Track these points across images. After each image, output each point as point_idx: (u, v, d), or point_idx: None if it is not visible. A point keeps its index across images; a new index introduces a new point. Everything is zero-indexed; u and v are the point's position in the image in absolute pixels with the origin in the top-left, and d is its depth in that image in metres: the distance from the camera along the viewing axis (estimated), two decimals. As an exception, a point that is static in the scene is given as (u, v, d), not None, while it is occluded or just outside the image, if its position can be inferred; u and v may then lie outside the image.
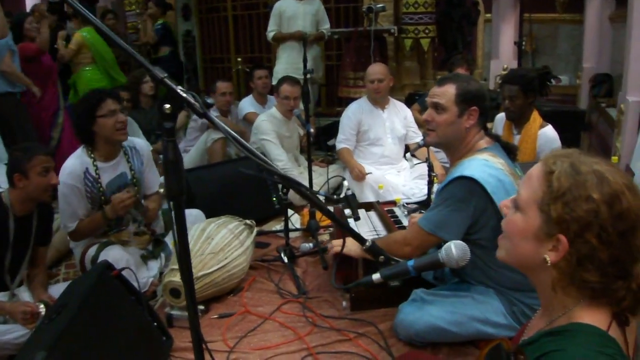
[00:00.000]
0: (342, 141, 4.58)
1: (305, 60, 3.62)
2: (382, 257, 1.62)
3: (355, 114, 4.55)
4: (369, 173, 4.29)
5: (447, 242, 1.58)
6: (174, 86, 1.22)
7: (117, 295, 2.32)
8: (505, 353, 1.20)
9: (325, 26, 6.09)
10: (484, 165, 2.26)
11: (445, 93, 2.36)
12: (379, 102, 4.55)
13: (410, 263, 1.59)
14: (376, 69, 4.48)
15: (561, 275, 1.14)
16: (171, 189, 1.27)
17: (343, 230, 1.63)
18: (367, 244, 1.60)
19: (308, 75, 3.73)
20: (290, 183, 1.46)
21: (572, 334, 1.11)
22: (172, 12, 8.15)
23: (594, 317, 1.12)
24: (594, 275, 1.10)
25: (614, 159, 3.25)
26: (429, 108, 2.44)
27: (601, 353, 1.06)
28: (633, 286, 1.10)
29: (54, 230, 3.72)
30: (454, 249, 1.52)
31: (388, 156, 4.60)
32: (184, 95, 1.23)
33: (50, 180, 2.62)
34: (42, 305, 2.51)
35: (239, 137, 1.34)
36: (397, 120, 4.61)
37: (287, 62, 5.89)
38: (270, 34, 5.98)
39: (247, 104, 5.44)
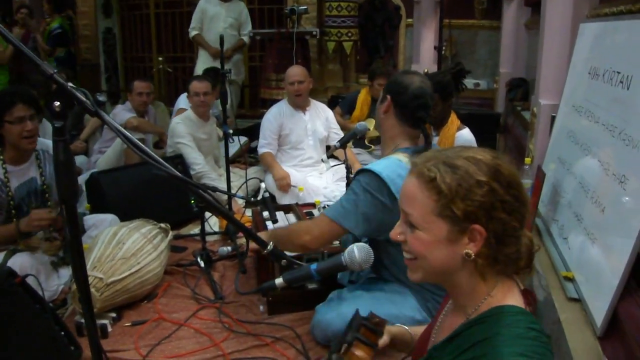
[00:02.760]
0: (264, 146, 4.52)
1: (222, 60, 3.55)
2: (285, 260, 1.59)
3: (276, 118, 4.51)
4: (293, 186, 4.27)
5: (349, 234, 1.57)
6: (64, 83, 1.15)
7: (20, 304, 2.19)
8: (360, 316, 1.23)
9: (246, 30, 6.08)
10: (395, 165, 2.27)
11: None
12: (299, 104, 4.53)
13: (313, 267, 1.57)
14: (296, 71, 4.47)
15: (486, 261, 1.17)
16: (62, 192, 1.20)
17: (244, 233, 1.59)
18: (269, 247, 1.57)
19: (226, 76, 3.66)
20: (188, 184, 1.40)
21: (499, 317, 1.14)
22: (90, 8, 7.89)
23: (512, 298, 1.17)
24: (513, 245, 1.16)
25: (527, 160, 3.35)
26: None
27: (531, 329, 1.10)
28: (526, 240, 1.19)
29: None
30: (357, 252, 1.51)
31: (310, 158, 4.59)
32: (75, 92, 1.16)
33: None
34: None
35: (133, 138, 1.28)
36: (319, 122, 4.61)
37: (207, 62, 5.85)
38: (192, 32, 6.01)
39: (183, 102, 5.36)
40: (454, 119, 3.71)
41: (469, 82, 4.47)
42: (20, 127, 2.81)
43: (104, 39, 8.31)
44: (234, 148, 4.93)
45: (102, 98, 5.52)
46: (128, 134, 1.28)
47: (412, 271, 1.25)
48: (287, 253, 2.16)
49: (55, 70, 1.18)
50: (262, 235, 2.56)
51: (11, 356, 1.97)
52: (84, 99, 1.18)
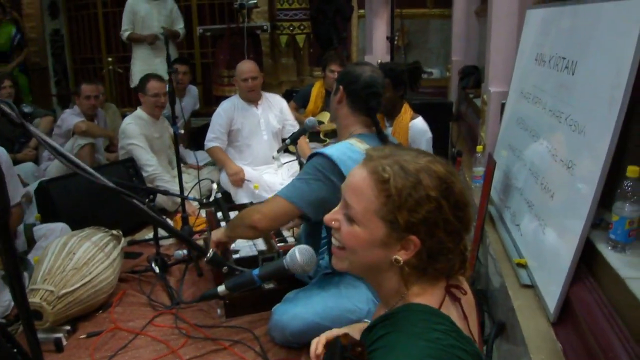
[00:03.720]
0: (212, 140, 4.43)
1: (169, 58, 3.47)
2: (226, 267, 1.56)
3: (227, 112, 4.43)
4: (248, 181, 4.22)
5: (304, 229, 1.54)
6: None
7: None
8: (341, 347, 1.19)
9: (180, 26, 6.04)
10: (345, 148, 2.29)
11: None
12: (252, 99, 4.47)
13: (255, 272, 1.54)
14: (249, 67, 4.40)
15: (413, 270, 1.15)
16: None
17: (183, 242, 1.56)
18: (209, 255, 1.54)
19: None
20: (121, 193, 1.34)
21: (405, 315, 1.13)
22: (36, 10, 7.67)
23: (425, 297, 1.16)
24: (444, 262, 1.15)
25: (479, 148, 3.38)
26: None
27: (433, 330, 1.09)
28: (462, 248, 1.18)
29: None
30: (298, 255, 1.49)
31: (264, 155, 4.52)
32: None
33: None
34: None
35: (58, 147, 1.23)
36: (272, 115, 4.55)
37: (144, 64, 5.82)
38: (125, 34, 5.93)
39: None
40: (407, 109, 3.73)
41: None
42: None
43: (52, 41, 8.09)
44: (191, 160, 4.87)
45: (27, 109, 5.40)
46: (55, 144, 1.23)
47: (338, 259, 1.23)
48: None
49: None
50: (221, 228, 2.54)
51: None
52: (8, 110, 1.12)
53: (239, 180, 4.22)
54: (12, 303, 2.87)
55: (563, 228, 1.97)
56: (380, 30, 6.62)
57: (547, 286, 2.00)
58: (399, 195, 1.11)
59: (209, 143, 4.45)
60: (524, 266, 2.25)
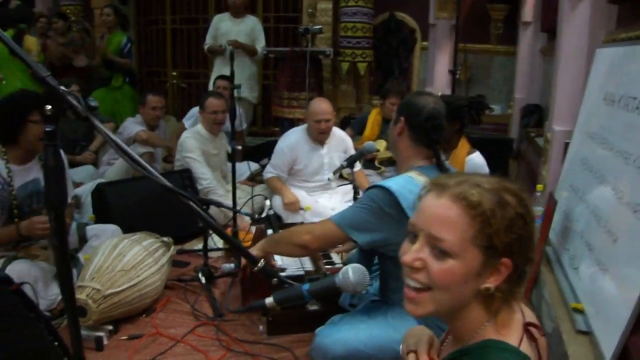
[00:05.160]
0: (272, 173, 4.38)
1: (232, 74, 3.52)
2: (276, 280, 1.53)
3: (292, 150, 4.34)
4: (301, 209, 4.21)
5: (355, 254, 1.50)
6: (56, 86, 1.12)
7: (13, 312, 2.14)
8: None
9: (260, 44, 6.09)
10: (405, 182, 2.22)
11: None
12: (320, 140, 4.36)
13: (305, 287, 1.51)
14: (324, 107, 4.23)
15: (503, 296, 1.10)
16: (51, 199, 1.16)
17: (235, 249, 1.54)
18: (260, 265, 1.51)
19: (235, 91, 3.63)
20: (179, 195, 1.34)
21: (484, 352, 1.07)
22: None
23: (504, 334, 1.10)
24: (524, 281, 1.11)
25: (539, 187, 3.29)
26: None
27: None
28: None
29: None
30: (351, 274, 1.45)
31: (322, 186, 4.50)
32: (67, 96, 1.13)
33: None
34: None
35: (119, 142, 1.24)
36: (337, 154, 4.43)
37: (221, 72, 5.86)
38: (205, 47, 6.10)
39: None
40: (464, 143, 3.66)
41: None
42: (42, 128, 2.78)
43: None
44: (245, 173, 4.90)
45: (93, 103, 5.50)
46: (116, 139, 1.24)
47: (419, 304, 1.11)
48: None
49: (49, 74, 1.14)
50: (261, 242, 2.53)
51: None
52: (75, 103, 1.14)
53: (294, 210, 4.20)
54: (59, 298, 2.92)
55: (625, 274, 1.88)
56: (442, 63, 6.60)
57: (604, 334, 1.90)
58: (493, 217, 1.05)
59: (268, 174, 4.41)
60: (580, 311, 2.15)
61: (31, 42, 5.77)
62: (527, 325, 1.12)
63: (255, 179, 5.08)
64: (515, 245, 1.06)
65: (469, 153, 3.61)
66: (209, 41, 6.05)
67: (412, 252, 1.11)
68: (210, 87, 5.78)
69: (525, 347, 1.09)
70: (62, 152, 3.06)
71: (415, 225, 1.13)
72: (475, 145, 3.71)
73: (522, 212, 1.08)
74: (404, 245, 1.16)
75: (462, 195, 1.08)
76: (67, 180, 3.22)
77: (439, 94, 6.22)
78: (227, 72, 5.69)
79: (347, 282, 1.44)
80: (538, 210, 3.19)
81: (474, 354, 1.09)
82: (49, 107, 1.12)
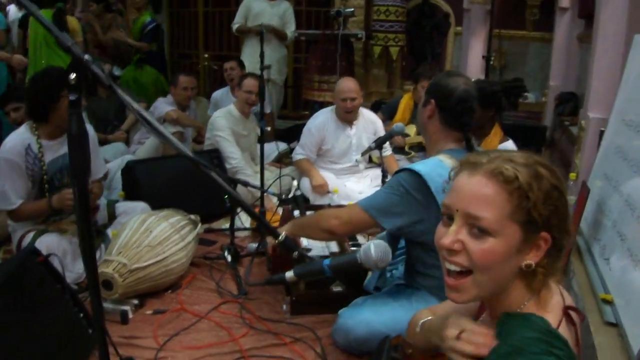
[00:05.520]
0: (301, 154, 4.38)
1: (262, 55, 3.52)
2: (296, 253, 1.52)
3: (319, 130, 4.33)
4: (329, 192, 4.19)
5: (379, 227, 1.48)
6: (80, 55, 1.12)
7: (40, 282, 2.19)
8: (390, 346, 1.12)
9: (291, 28, 6.07)
10: (435, 165, 2.19)
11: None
12: (348, 119, 4.34)
13: (326, 262, 1.50)
14: (350, 86, 4.22)
15: (545, 271, 1.08)
16: (75, 166, 1.16)
17: (257, 222, 1.53)
18: (281, 238, 1.50)
19: (265, 73, 3.62)
20: (208, 170, 1.34)
21: (521, 325, 1.05)
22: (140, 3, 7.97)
23: (544, 313, 1.08)
24: (563, 254, 1.10)
25: (572, 175, 3.23)
26: None
27: (552, 353, 0.99)
28: None
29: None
30: (373, 250, 1.43)
31: (350, 168, 4.47)
32: (91, 65, 1.13)
33: None
34: None
35: (143, 112, 1.23)
36: (365, 136, 4.39)
37: (250, 57, 5.83)
38: (234, 26, 6.06)
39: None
40: (497, 130, 3.59)
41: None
42: None
43: (153, 34, 8.39)
44: (272, 154, 4.91)
45: (117, 72, 5.53)
46: (141, 109, 1.23)
47: (462, 290, 1.09)
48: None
49: (73, 42, 1.14)
50: (288, 224, 2.52)
51: (27, 331, 1.96)
52: (99, 72, 1.14)
53: (322, 192, 4.19)
54: (86, 271, 2.97)
55: (658, 265, 1.84)
56: (476, 49, 6.49)
57: (632, 326, 1.86)
58: (531, 191, 1.03)
59: (296, 156, 4.41)
60: (609, 302, 2.11)
61: (74, 22, 5.83)
62: (566, 309, 1.10)
63: (283, 160, 5.08)
64: (554, 218, 1.05)
65: (502, 141, 3.54)
66: (238, 20, 6.02)
67: (450, 234, 1.08)
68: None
69: (564, 330, 1.07)
70: (92, 129, 3.14)
71: (450, 206, 1.10)
72: (508, 132, 3.64)
73: (556, 184, 1.06)
74: (439, 229, 1.13)
75: (497, 170, 1.05)
76: (98, 155, 3.28)
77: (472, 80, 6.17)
78: (256, 54, 5.74)
79: (369, 258, 1.42)
80: (570, 199, 3.12)
81: (512, 324, 1.07)
82: (73, 75, 1.12)
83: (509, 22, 6.39)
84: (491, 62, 5.61)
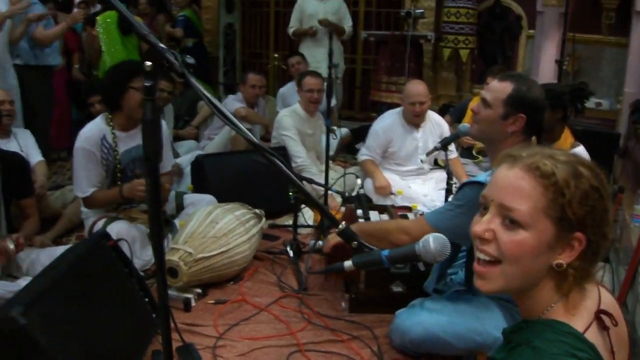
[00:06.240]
0: (366, 155, 4.37)
1: (330, 54, 3.55)
2: (356, 242, 1.54)
3: (386, 132, 4.31)
4: (392, 194, 4.18)
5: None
6: (156, 43, 1.18)
7: (109, 265, 2.30)
8: None
9: (347, 24, 6.12)
10: None
11: (498, 90, 2.20)
12: (415, 122, 4.30)
13: (385, 253, 1.50)
14: (419, 90, 4.17)
15: (577, 273, 1.07)
16: (147, 151, 1.22)
17: (318, 210, 1.54)
18: (341, 226, 1.52)
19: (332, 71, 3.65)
20: (266, 151, 1.36)
21: (544, 329, 1.05)
22: (214, 3, 8.18)
23: (570, 318, 1.06)
24: (599, 259, 1.08)
25: (645, 186, 3.11)
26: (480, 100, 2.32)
27: (573, 355, 0.99)
28: None
29: (69, 201, 3.76)
30: (432, 243, 1.43)
31: (415, 171, 4.45)
32: (165, 53, 1.18)
33: None
34: (10, 242, 2.55)
35: (213, 99, 1.27)
36: (432, 139, 4.32)
37: (308, 58, 5.91)
38: (290, 30, 6.19)
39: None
40: (567, 135, 3.50)
41: (589, 101, 4.15)
42: (142, 95, 2.94)
43: (225, 34, 8.57)
44: (335, 143, 4.94)
45: (190, 60, 5.66)
46: (211, 97, 1.28)
47: (489, 279, 1.10)
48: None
49: (149, 32, 1.20)
50: (352, 226, 2.52)
51: (94, 311, 2.05)
52: (173, 60, 1.20)
53: (385, 194, 4.19)
54: (153, 259, 3.07)
55: None
56: (549, 53, 6.31)
57: None
58: (567, 188, 1.03)
59: (362, 157, 4.42)
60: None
61: (138, 19, 6.05)
62: (598, 313, 1.08)
63: (342, 151, 5.09)
64: (589, 219, 1.04)
65: (573, 146, 3.43)
66: (294, 24, 6.13)
67: (482, 223, 1.11)
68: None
69: (593, 335, 1.05)
70: (165, 124, 3.26)
71: (487, 197, 1.12)
72: (579, 137, 3.53)
73: (596, 185, 1.05)
74: (475, 219, 1.16)
75: (534, 165, 1.06)
76: (169, 149, 3.39)
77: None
78: (314, 52, 5.81)
79: (427, 250, 1.42)
80: (639, 209, 3.02)
81: (536, 328, 1.07)
82: (148, 63, 1.18)
83: (584, 25, 6.17)
84: (564, 67, 5.45)
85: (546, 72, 6.33)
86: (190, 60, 5.58)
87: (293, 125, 4.44)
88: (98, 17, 5.52)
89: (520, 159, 1.09)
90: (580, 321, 1.06)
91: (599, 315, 1.07)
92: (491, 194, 1.11)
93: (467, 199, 2.15)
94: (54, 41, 4.74)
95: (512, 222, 1.06)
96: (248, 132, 1.34)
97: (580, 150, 3.40)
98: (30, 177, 3.00)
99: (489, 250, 1.09)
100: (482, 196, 1.15)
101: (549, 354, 0.99)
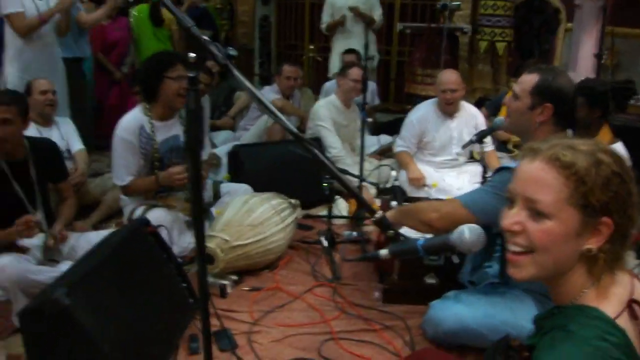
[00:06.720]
0: (402, 146, 4.37)
1: (366, 46, 3.57)
2: (392, 231, 1.56)
3: (421, 122, 4.31)
4: (425, 186, 4.17)
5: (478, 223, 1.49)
6: (199, 34, 1.21)
7: (149, 251, 2.36)
8: (508, 346, 1.15)
9: (377, 12, 6.11)
10: None
11: (525, 82, 2.23)
12: (449, 112, 4.29)
13: (420, 242, 1.52)
14: (450, 78, 4.17)
15: (608, 257, 1.10)
16: (189, 139, 1.27)
17: (355, 197, 1.57)
18: (377, 216, 1.55)
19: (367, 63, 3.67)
20: (304, 140, 1.40)
21: (577, 313, 1.09)
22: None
23: (602, 303, 1.09)
24: (629, 242, 1.11)
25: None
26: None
27: (604, 339, 1.01)
28: None
29: (109, 188, 3.85)
30: (467, 233, 1.44)
31: (450, 162, 4.44)
32: (209, 45, 1.22)
33: None
34: (50, 239, 2.65)
35: (254, 90, 1.31)
36: (466, 130, 4.32)
37: (341, 48, 5.93)
38: (323, 26, 6.22)
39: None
40: (606, 132, 3.45)
41: (631, 98, 4.08)
42: (178, 84, 3.02)
43: (261, 25, 8.62)
44: (373, 146, 4.96)
45: (233, 52, 5.70)
46: (253, 88, 1.32)
47: (521, 267, 1.14)
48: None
49: (193, 24, 1.24)
50: (392, 210, 2.55)
51: (133, 295, 2.11)
52: (216, 51, 1.23)
53: (419, 186, 4.19)
54: (190, 246, 3.15)
55: None
56: (587, 46, 6.19)
57: None
58: (588, 176, 1.06)
59: (398, 148, 4.42)
60: None
61: (168, 13, 6.16)
62: (630, 302, 1.10)
63: (385, 154, 5.11)
64: (613, 204, 1.07)
65: (611, 142, 3.39)
66: (326, 19, 6.15)
67: (510, 217, 1.16)
68: (335, 64, 5.87)
69: (624, 322, 1.07)
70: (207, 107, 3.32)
71: (513, 191, 1.17)
72: (618, 133, 3.48)
73: (618, 171, 1.08)
74: (504, 212, 1.20)
75: (554, 156, 1.10)
76: (206, 137, 3.46)
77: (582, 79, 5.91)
78: (348, 46, 5.81)
79: (463, 240, 1.44)
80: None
81: (567, 312, 1.10)
82: (192, 55, 1.22)
83: (623, 19, 6.04)
84: (603, 61, 5.37)
85: (584, 66, 6.22)
86: (232, 52, 5.63)
87: (329, 116, 4.48)
88: (131, 10, 5.64)
89: (540, 151, 1.13)
90: (611, 307, 1.08)
91: (631, 305, 1.09)
92: (516, 188, 1.16)
93: (502, 183, 2.16)
94: (95, 24, 4.84)
95: (537, 214, 1.10)
96: (287, 122, 1.37)
97: (619, 146, 3.35)
98: (62, 160, 3.08)
99: (520, 242, 1.14)
100: (508, 191, 1.19)
101: (581, 337, 1.02)
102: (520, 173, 1.16)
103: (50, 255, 2.74)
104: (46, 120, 3.80)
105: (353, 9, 5.79)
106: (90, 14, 4.75)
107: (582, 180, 1.07)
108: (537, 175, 1.11)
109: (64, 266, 2.52)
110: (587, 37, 6.17)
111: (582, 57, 6.21)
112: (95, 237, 2.75)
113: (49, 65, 4.18)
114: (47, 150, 2.94)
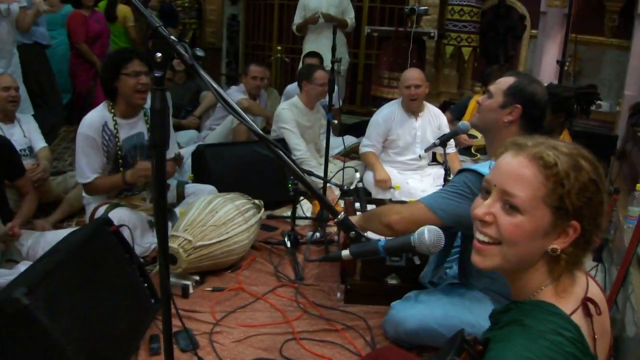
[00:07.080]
0: (368, 146, 4.42)
1: (334, 49, 3.59)
2: (353, 232, 1.58)
3: (386, 121, 4.38)
4: (391, 188, 4.22)
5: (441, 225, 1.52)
6: (167, 35, 1.21)
7: (111, 250, 2.34)
8: (463, 339, 1.18)
9: (349, 15, 6.13)
10: None
11: (502, 82, 2.31)
12: (413, 109, 4.36)
13: (381, 243, 1.55)
14: (413, 74, 4.26)
15: (569, 259, 1.13)
16: (155, 138, 1.27)
17: (318, 200, 1.58)
18: (339, 217, 1.57)
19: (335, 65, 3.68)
20: (270, 142, 1.41)
21: (532, 309, 1.12)
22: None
23: (558, 301, 1.13)
24: (590, 247, 1.15)
25: (639, 186, 3.15)
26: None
27: (559, 333, 1.05)
28: None
29: (71, 187, 3.80)
30: (427, 234, 1.47)
31: (415, 163, 4.50)
32: (176, 45, 1.22)
33: None
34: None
35: (220, 91, 1.32)
36: (430, 129, 4.42)
37: (311, 47, 5.96)
38: (294, 26, 6.19)
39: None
40: (565, 136, 3.54)
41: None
42: (135, 80, 3.01)
43: (229, 25, 8.58)
44: (338, 147, 4.98)
45: (200, 53, 5.68)
46: (219, 89, 1.32)
47: (487, 256, 1.17)
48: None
49: (161, 24, 1.24)
50: (357, 216, 2.58)
51: (95, 295, 2.09)
52: (183, 52, 1.23)
53: (385, 187, 4.23)
54: (152, 246, 3.13)
55: None
56: (551, 53, 6.33)
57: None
58: (567, 179, 1.09)
59: (364, 148, 4.46)
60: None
61: (126, 9, 6.13)
62: (585, 300, 1.14)
63: (349, 155, 5.15)
64: (586, 209, 1.10)
65: (569, 147, 3.48)
66: (298, 21, 6.13)
67: (484, 207, 1.17)
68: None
69: (578, 319, 1.11)
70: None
71: (490, 182, 1.18)
72: (577, 138, 3.57)
73: (595, 179, 1.11)
74: (477, 201, 1.22)
75: (538, 154, 1.12)
76: (172, 137, 3.44)
77: (545, 85, 6.03)
78: (317, 48, 5.83)
79: (422, 241, 1.47)
80: (634, 210, 3.06)
81: (524, 308, 1.13)
82: (158, 54, 1.22)
83: (587, 27, 6.18)
84: (565, 68, 5.49)
85: (548, 72, 6.36)
86: (200, 53, 5.59)
87: (292, 118, 4.48)
88: None
89: (526, 147, 1.16)
90: (567, 304, 1.12)
91: (585, 302, 1.14)
92: (494, 179, 1.17)
93: (463, 185, 2.21)
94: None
95: (511, 207, 1.13)
96: (253, 123, 1.38)
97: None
98: (18, 157, 3.05)
99: (489, 232, 1.16)
100: (485, 180, 1.21)
101: (537, 330, 1.05)
102: (502, 165, 1.18)
103: (8, 256, 2.69)
104: (8, 117, 3.73)
105: (325, 15, 5.79)
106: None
107: (561, 182, 1.09)
108: (518, 171, 1.13)
109: (23, 266, 2.49)
110: (551, 43, 6.31)
111: (545, 63, 6.35)
112: (56, 236, 2.72)
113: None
114: (0, 148, 2.90)
